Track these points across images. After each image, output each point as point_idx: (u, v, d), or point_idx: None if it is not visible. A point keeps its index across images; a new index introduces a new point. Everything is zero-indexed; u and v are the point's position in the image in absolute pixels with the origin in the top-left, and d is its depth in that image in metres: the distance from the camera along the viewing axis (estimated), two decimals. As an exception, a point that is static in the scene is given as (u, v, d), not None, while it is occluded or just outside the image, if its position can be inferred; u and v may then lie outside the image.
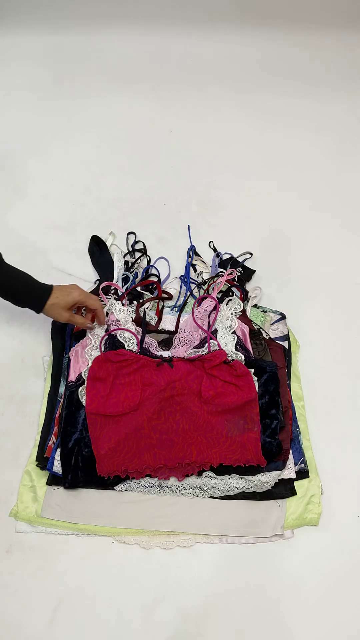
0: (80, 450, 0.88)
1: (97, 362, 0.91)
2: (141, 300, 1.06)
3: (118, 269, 1.13)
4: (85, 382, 0.91)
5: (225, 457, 0.88)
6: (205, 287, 1.11)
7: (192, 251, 1.19)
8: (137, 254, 1.18)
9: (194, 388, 0.90)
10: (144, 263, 1.17)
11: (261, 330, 1.02)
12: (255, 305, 1.08)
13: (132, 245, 1.20)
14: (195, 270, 1.17)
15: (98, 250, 1.18)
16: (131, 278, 1.11)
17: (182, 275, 1.15)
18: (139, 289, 1.08)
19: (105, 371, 0.90)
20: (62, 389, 0.97)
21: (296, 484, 0.92)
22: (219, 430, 0.88)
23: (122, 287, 1.10)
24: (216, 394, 0.89)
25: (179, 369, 0.91)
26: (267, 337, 1.01)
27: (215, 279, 1.10)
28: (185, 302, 1.08)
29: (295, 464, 0.92)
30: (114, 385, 0.90)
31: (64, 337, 1.02)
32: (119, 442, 0.87)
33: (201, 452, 0.88)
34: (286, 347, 1.03)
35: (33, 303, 0.90)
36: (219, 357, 0.90)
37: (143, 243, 1.20)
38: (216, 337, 0.94)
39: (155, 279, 1.13)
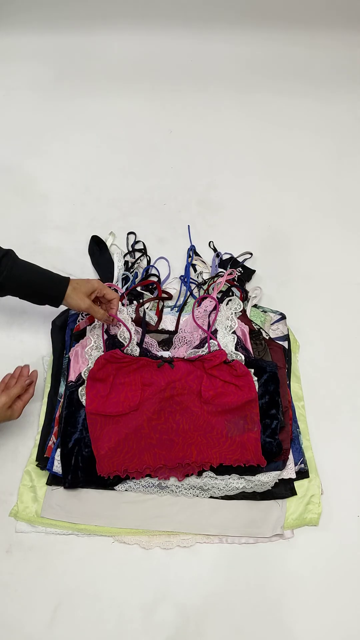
0: (80, 450, 0.88)
1: (97, 364, 0.90)
2: (141, 300, 1.06)
3: (118, 269, 1.13)
4: (85, 382, 0.91)
5: (225, 457, 0.88)
6: (205, 287, 1.11)
7: (192, 251, 1.19)
8: (137, 254, 1.18)
9: (194, 388, 0.90)
10: (144, 263, 1.17)
11: (261, 330, 1.02)
12: (255, 305, 1.08)
13: (132, 245, 1.20)
14: (195, 270, 1.17)
15: (98, 250, 1.18)
16: (131, 278, 1.11)
17: (182, 275, 1.15)
18: (139, 289, 1.08)
19: (105, 372, 0.90)
20: (62, 389, 0.96)
21: (296, 484, 0.92)
22: (219, 430, 0.88)
23: (122, 287, 1.10)
24: (216, 394, 0.89)
25: (179, 369, 0.91)
26: (267, 337, 1.01)
27: (215, 279, 1.10)
28: (185, 302, 1.08)
29: (295, 464, 0.92)
30: (114, 385, 0.90)
31: (64, 337, 1.02)
32: (119, 442, 0.87)
33: (201, 452, 0.88)
34: (286, 347, 1.03)
35: (53, 293, 0.88)
36: (219, 357, 0.90)
37: (143, 243, 1.20)
38: (216, 337, 0.94)
39: (155, 279, 1.13)
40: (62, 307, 1.06)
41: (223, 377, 0.90)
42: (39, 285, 0.88)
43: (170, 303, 1.10)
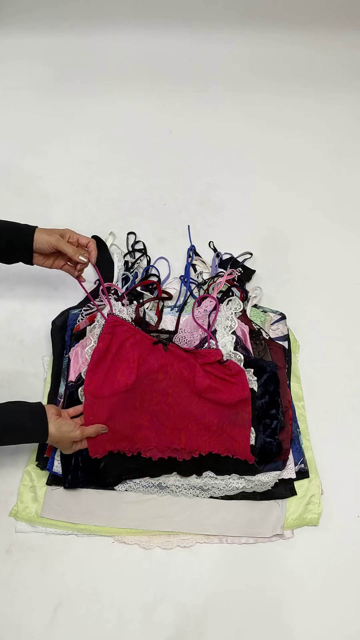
0: (80, 450, 0.88)
1: (103, 340, 0.88)
2: (141, 300, 1.06)
3: (118, 269, 1.13)
4: (89, 360, 0.90)
5: (214, 446, 0.88)
6: (205, 287, 1.11)
7: (192, 251, 1.19)
8: (137, 254, 1.18)
9: (186, 376, 0.90)
10: (144, 263, 1.17)
11: (261, 330, 1.02)
12: (255, 305, 1.08)
13: (132, 245, 1.20)
14: (195, 270, 1.17)
15: (98, 250, 1.18)
16: (131, 278, 1.11)
17: (182, 275, 1.15)
18: (139, 289, 1.08)
19: (107, 342, 0.89)
20: (62, 389, 0.96)
21: (296, 484, 0.92)
22: (210, 419, 0.88)
23: (122, 287, 1.10)
24: (210, 386, 0.88)
25: (173, 353, 0.91)
26: (267, 337, 1.01)
27: (215, 279, 1.10)
28: (185, 302, 1.08)
29: (295, 464, 0.92)
30: (114, 361, 0.89)
31: (64, 337, 1.02)
32: (113, 422, 0.87)
33: (190, 440, 0.88)
34: (286, 347, 1.03)
35: (22, 241, 0.88)
36: (214, 355, 0.90)
37: (143, 243, 1.20)
38: (215, 337, 0.94)
39: (155, 279, 1.13)
40: (61, 309, 1.06)
41: (216, 373, 0.90)
42: (6, 236, 0.87)
43: (170, 303, 1.10)
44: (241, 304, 0.99)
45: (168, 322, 1.05)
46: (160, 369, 0.90)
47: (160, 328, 1.03)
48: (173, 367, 0.90)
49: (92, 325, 0.98)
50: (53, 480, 0.90)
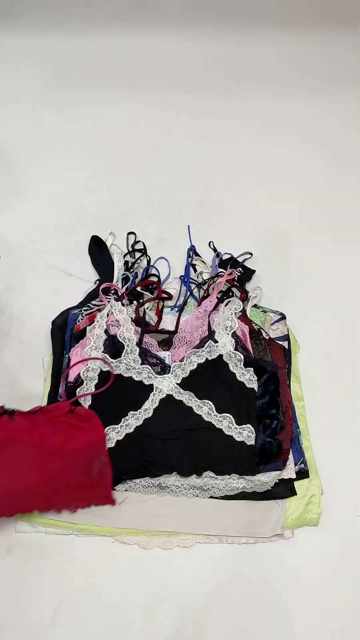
0: (79, 451, 0.87)
1: None
2: (141, 300, 1.07)
3: (118, 269, 1.13)
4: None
5: (70, 505, 0.86)
6: (205, 287, 1.11)
7: (192, 251, 1.19)
8: (137, 254, 1.18)
9: (36, 441, 0.83)
10: (144, 263, 1.17)
11: (261, 330, 1.02)
12: (255, 305, 1.08)
13: (132, 245, 1.20)
14: (195, 270, 1.17)
15: (98, 250, 1.18)
16: (131, 278, 1.11)
17: (182, 275, 1.15)
18: (139, 289, 1.08)
19: None
20: (62, 389, 0.96)
21: (296, 484, 0.92)
22: (69, 478, 0.84)
23: (122, 287, 1.10)
24: (64, 440, 0.83)
25: (20, 422, 0.85)
26: (267, 337, 1.01)
27: (215, 279, 1.10)
28: (185, 302, 1.08)
29: (295, 464, 0.92)
30: None
31: (64, 337, 1.02)
32: None
33: (46, 505, 0.85)
34: (286, 347, 1.03)
35: None
36: (61, 408, 0.86)
37: (143, 243, 1.20)
38: (215, 338, 0.93)
39: (155, 279, 1.13)
40: (61, 309, 1.06)
41: (69, 422, 0.85)
42: None
43: (170, 303, 1.10)
44: (241, 304, 0.99)
45: (168, 322, 1.05)
46: (7, 441, 0.83)
47: (160, 328, 1.03)
48: (21, 436, 0.83)
49: (92, 325, 0.98)
50: (53, 480, 0.90)
